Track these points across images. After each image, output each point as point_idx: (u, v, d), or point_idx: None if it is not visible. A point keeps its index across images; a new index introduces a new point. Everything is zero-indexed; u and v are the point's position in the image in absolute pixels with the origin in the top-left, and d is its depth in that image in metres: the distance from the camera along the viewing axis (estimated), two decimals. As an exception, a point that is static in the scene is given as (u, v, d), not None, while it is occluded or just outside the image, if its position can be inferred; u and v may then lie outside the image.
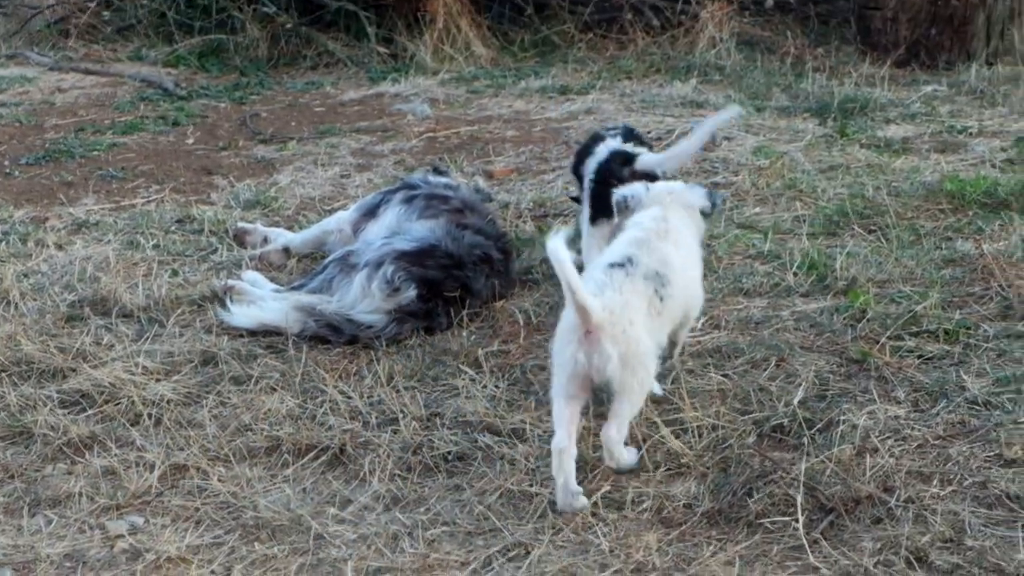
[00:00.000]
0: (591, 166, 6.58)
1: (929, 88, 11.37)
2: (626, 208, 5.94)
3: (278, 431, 5.57)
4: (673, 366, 5.91)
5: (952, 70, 12.07)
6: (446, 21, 12.83)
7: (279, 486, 5.22)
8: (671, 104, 10.89)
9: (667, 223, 5.72)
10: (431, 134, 10.21)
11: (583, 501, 5.00)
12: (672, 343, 5.81)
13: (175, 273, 7.28)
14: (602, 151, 6.60)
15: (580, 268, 5.26)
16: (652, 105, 10.85)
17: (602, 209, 6.39)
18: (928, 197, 8.11)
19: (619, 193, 6.02)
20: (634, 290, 5.32)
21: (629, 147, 6.59)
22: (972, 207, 7.90)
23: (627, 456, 5.26)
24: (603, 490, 5.04)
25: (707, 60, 12.33)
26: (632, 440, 5.32)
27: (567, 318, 5.21)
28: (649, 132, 9.56)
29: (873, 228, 7.64)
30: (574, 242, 7.23)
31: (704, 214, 5.97)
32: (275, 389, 5.96)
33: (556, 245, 4.97)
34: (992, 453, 5.15)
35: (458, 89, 11.77)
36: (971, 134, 9.83)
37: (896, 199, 8.09)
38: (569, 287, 5.03)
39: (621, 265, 5.39)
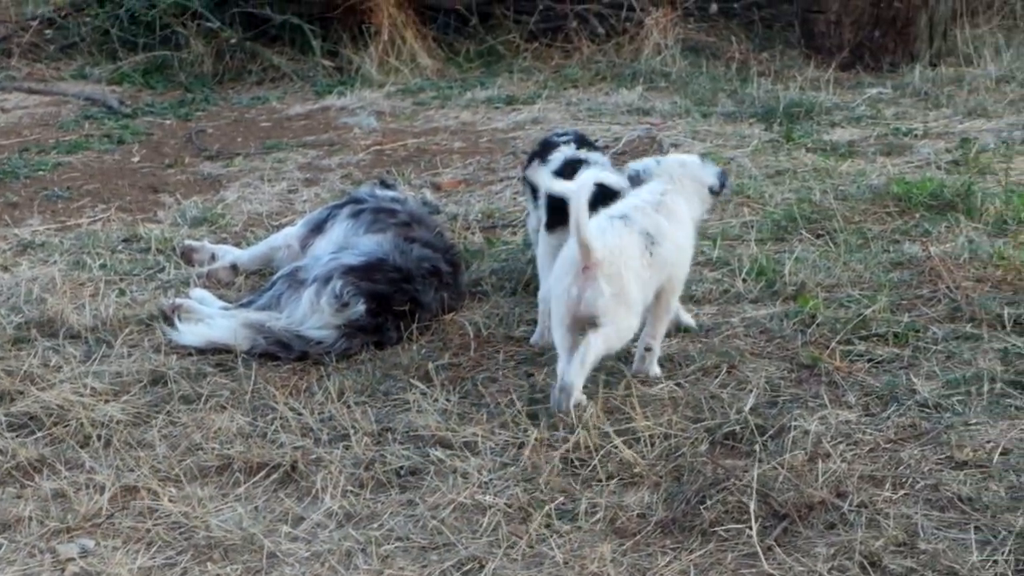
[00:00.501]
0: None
1: (874, 91, 11.42)
2: (639, 182, 6.18)
3: (229, 450, 5.53)
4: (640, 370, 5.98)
5: (896, 72, 12.12)
6: (391, 33, 12.80)
7: (231, 505, 5.18)
8: (618, 112, 10.90)
9: (663, 198, 6.01)
10: (378, 147, 10.19)
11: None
12: (648, 346, 6.05)
13: (122, 293, 7.23)
14: (557, 158, 6.58)
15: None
16: (599, 113, 10.86)
17: (559, 216, 6.38)
18: (875, 200, 8.14)
19: (632, 167, 6.27)
20: (631, 240, 5.73)
21: (583, 153, 6.57)
22: (918, 209, 7.93)
23: (580, 397, 5.66)
24: (556, 502, 5.02)
25: (652, 67, 12.33)
26: (583, 450, 5.31)
27: (566, 254, 5.67)
28: (597, 140, 9.55)
29: (821, 232, 7.66)
30: (524, 251, 7.28)
31: (712, 192, 6.21)
32: (225, 407, 5.92)
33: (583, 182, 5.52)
34: (943, 456, 5.17)
35: (404, 101, 11.75)
36: (916, 136, 9.88)
37: (843, 203, 8.11)
38: (577, 223, 5.45)
39: (620, 217, 5.80)
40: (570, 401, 5.62)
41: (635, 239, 5.75)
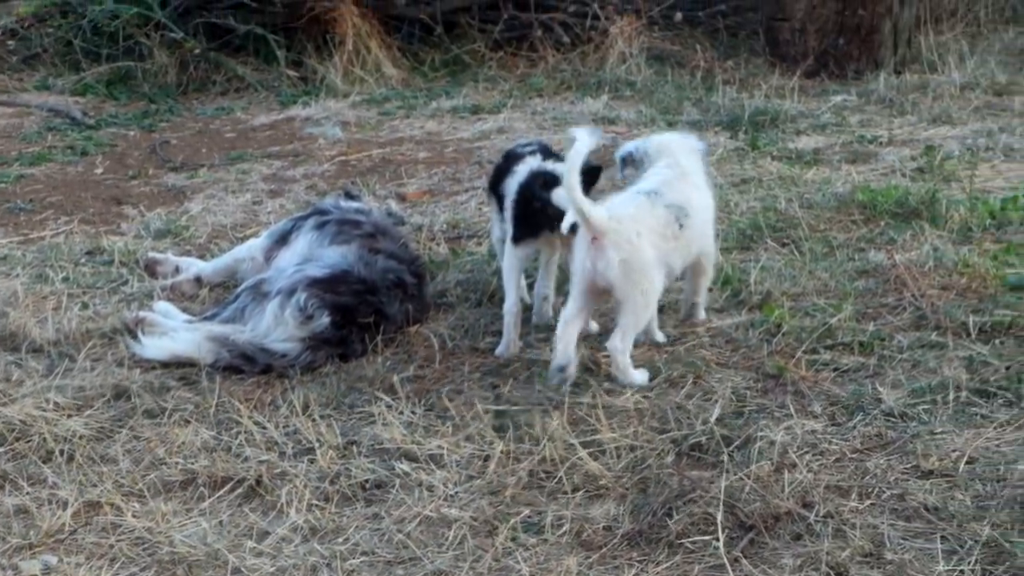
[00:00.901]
0: (512, 186, 6.52)
1: (839, 98, 11.45)
2: (632, 162, 6.52)
3: (193, 464, 5.50)
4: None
5: (861, 79, 12.15)
6: (355, 43, 12.78)
7: (195, 520, 5.15)
8: (583, 121, 10.86)
9: (682, 167, 6.38)
10: (343, 157, 10.17)
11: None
12: (693, 302, 6.62)
13: (85, 306, 7.19)
14: (523, 170, 6.55)
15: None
16: (564, 122, 10.83)
17: (527, 229, 6.38)
18: (840, 208, 8.15)
19: (624, 148, 6.63)
20: (651, 211, 6.05)
21: (549, 165, 6.55)
22: (884, 217, 7.94)
23: (636, 376, 5.98)
24: (522, 515, 5.00)
25: (617, 76, 12.34)
26: (549, 463, 5.30)
27: (580, 231, 5.93)
28: (562, 150, 9.52)
29: (786, 241, 7.66)
30: (490, 262, 7.26)
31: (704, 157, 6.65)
32: (189, 421, 5.88)
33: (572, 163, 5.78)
34: (909, 465, 5.17)
35: (369, 111, 11.73)
36: (881, 143, 9.91)
37: (808, 211, 8.12)
38: (575, 201, 5.77)
39: (647, 193, 6.13)
40: (631, 381, 5.95)
41: (658, 212, 6.06)
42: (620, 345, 5.96)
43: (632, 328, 5.98)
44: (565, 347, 6.00)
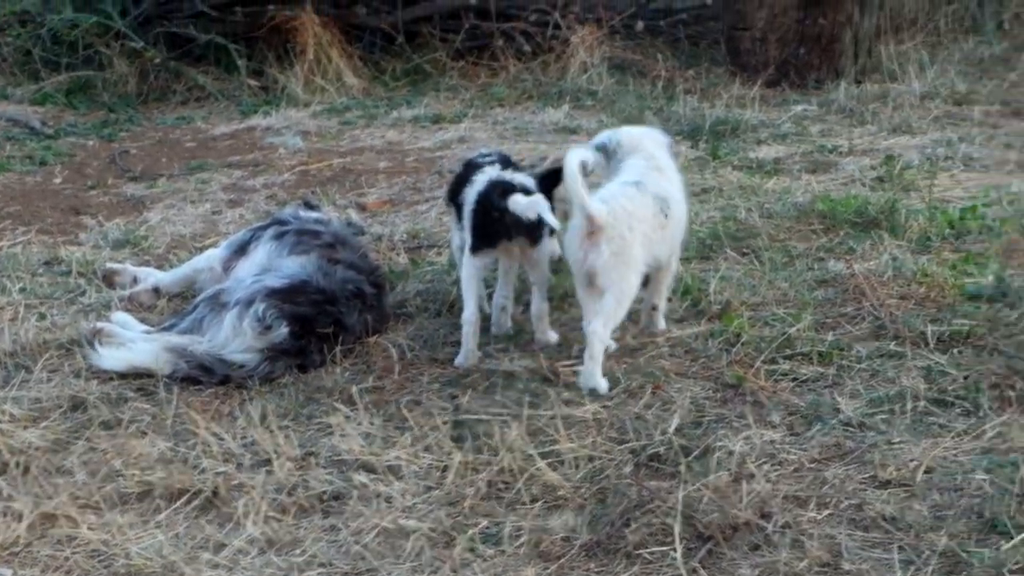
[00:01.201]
0: (471, 195, 6.51)
1: (799, 108, 11.48)
2: (605, 151, 6.63)
3: (149, 476, 5.45)
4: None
5: (821, 89, 12.19)
6: (317, 52, 12.77)
7: (151, 532, 5.11)
8: (544, 130, 10.91)
9: (657, 160, 6.52)
10: (303, 167, 10.14)
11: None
12: (653, 305, 6.61)
13: (42, 317, 7.14)
14: (481, 180, 6.54)
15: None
16: (525, 132, 10.86)
17: (485, 238, 6.37)
18: (800, 218, 8.17)
19: (599, 138, 6.74)
20: (643, 203, 6.21)
21: (508, 175, 6.54)
22: (843, 227, 7.96)
23: (601, 380, 6.05)
24: (480, 525, 4.98)
25: (579, 85, 12.36)
26: (507, 473, 5.28)
27: (575, 223, 6.09)
28: (523, 159, 9.54)
29: (746, 251, 7.66)
30: (450, 272, 7.25)
31: (671, 149, 6.78)
32: (146, 433, 5.84)
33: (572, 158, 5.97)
34: (867, 475, 5.17)
35: (330, 120, 11.71)
36: (841, 153, 9.94)
37: (768, 220, 8.14)
38: (577, 196, 5.94)
39: (635, 184, 6.26)
40: (595, 364, 6.05)
41: (648, 202, 6.22)
42: (600, 330, 6.05)
43: (613, 316, 6.09)
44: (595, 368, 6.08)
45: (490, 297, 6.88)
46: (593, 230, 6.01)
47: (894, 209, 8.05)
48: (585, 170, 6.23)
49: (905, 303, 6.74)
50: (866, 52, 12.74)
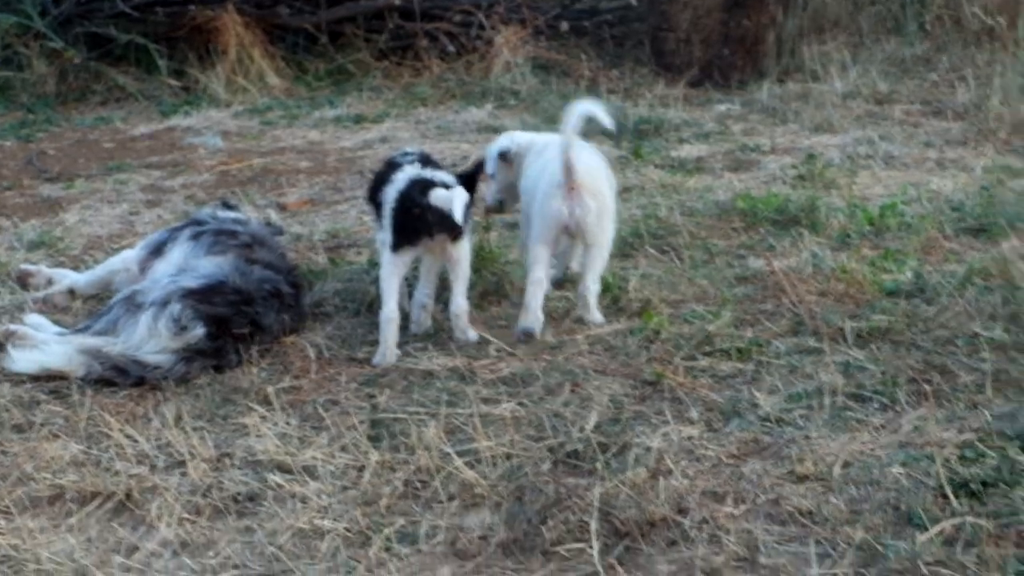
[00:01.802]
0: (391, 194, 6.49)
1: (722, 107, 11.52)
2: (508, 159, 7.09)
3: (61, 479, 5.37)
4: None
5: (745, 89, 12.22)
6: (238, 52, 12.68)
7: (63, 536, 5.02)
8: (467, 130, 10.89)
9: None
10: (223, 167, 10.07)
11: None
12: (587, 287, 6.66)
13: (-45, 319, 7.05)
14: (402, 178, 6.52)
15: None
16: (448, 131, 10.83)
17: (406, 236, 6.34)
18: (721, 216, 8.18)
19: (500, 144, 7.19)
20: (602, 163, 6.78)
21: (428, 173, 6.52)
22: (764, 224, 7.99)
23: (598, 315, 6.64)
24: (397, 525, 4.94)
25: (502, 85, 12.34)
26: (424, 472, 5.24)
27: (551, 179, 6.47)
28: (445, 159, 9.52)
29: (667, 248, 7.66)
30: (369, 271, 7.20)
31: None
32: (58, 436, 5.76)
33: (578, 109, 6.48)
34: (785, 470, 5.15)
35: (251, 120, 11.64)
36: (763, 152, 9.97)
37: (690, 218, 8.15)
38: (567, 147, 6.34)
39: (586, 147, 6.68)
40: (594, 319, 6.63)
41: (604, 162, 6.82)
42: (592, 287, 6.57)
43: (599, 269, 6.60)
44: (536, 310, 6.46)
45: (410, 296, 6.83)
46: (574, 186, 6.38)
47: (814, 207, 8.08)
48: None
49: (824, 299, 6.76)
50: (789, 52, 12.78)
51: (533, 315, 6.46)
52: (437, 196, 6.20)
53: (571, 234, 6.57)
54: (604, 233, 6.55)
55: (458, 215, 6.18)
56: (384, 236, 6.53)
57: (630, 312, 6.78)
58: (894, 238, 7.74)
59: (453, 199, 6.19)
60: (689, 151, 10.04)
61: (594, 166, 6.64)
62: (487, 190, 7.20)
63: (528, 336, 6.43)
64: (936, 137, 10.31)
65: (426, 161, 6.78)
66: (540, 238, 6.52)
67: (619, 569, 4.61)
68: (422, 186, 6.36)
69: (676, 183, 9.05)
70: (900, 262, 7.24)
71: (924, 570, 4.41)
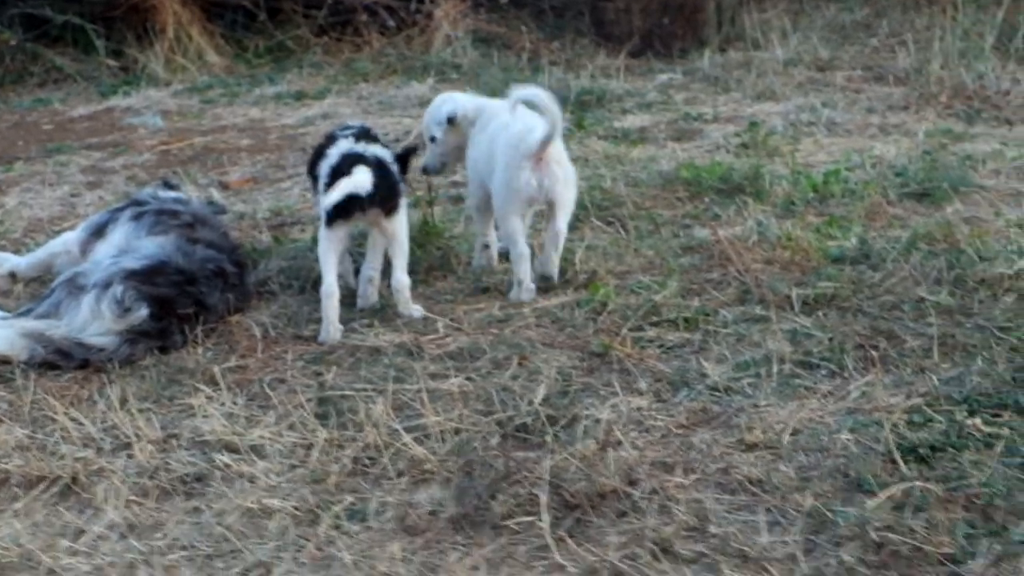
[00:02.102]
0: (325, 168, 6.49)
1: (664, 77, 11.52)
2: (456, 123, 7.08)
3: (6, 464, 5.31)
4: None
5: (686, 58, 12.24)
6: (177, 31, 12.61)
7: (8, 521, 4.97)
8: (408, 104, 10.86)
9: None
10: (164, 147, 10.01)
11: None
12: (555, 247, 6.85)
13: None
14: (335, 153, 6.51)
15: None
16: (389, 106, 10.80)
17: (337, 211, 6.31)
18: (665, 186, 8.18)
19: (448, 109, 7.11)
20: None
21: (360, 147, 6.51)
22: (708, 194, 7.99)
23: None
24: (346, 502, 4.91)
25: (443, 59, 12.33)
26: (373, 449, 5.22)
27: (516, 153, 6.56)
28: (387, 133, 9.49)
29: (612, 220, 7.65)
30: (312, 248, 7.16)
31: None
32: (2, 420, 5.70)
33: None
34: (734, 439, 5.15)
35: (191, 99, 11.57)
36: (706, 121, 9.98)
37: (634, 189, 8.14)
38: (552, 120, 6.47)
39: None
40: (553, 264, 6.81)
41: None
42: (564, 231, 6.76)
43: (568, 219, 6.76)
44: (527, 282, 6.68)
45: (357, 271, 6.81)
46: (541, 156, 6.52)
47: (758, 175, 8.09)
48: None
49: (770, 267, 6.76)
50: (729, 21, 12.81)
51: (526, 288, 6.64)
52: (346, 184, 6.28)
53: (539, 203, 6.74)
54: (570, 194, 6.72)
55: (334, 197, 6.23)
56: (320, 210, 6.52)
57: (576, 284, 6.76)
58: (838, 205, 7.76)
59: (347, 185, 6.25)
60: (632, 121, 10.03)
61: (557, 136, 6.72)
62: (428, 152, 7.17)
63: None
64: (878, 103, 10.35)
65: (364, 135, 6.76)
66: (512, 211, 6.64)
67: (569, 541, 4.59)
68: (351, 161, 6.36)
69: (620, 154, 9.04)
70: (845, 228, 7.25)
71: (873, 535, 4.41)
